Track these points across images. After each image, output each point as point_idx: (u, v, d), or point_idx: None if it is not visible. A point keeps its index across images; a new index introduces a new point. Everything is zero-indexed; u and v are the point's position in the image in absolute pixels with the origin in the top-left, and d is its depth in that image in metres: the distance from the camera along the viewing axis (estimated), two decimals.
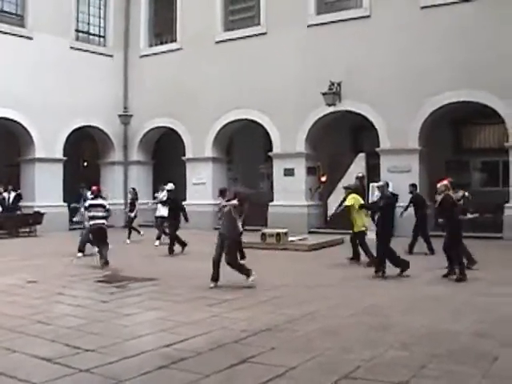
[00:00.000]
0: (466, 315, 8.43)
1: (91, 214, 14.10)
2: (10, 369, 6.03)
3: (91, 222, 14.13)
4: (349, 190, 14.79)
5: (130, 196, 20.91)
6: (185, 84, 24.80)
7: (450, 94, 19.20)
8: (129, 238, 19.54)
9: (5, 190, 22.63)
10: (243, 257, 13.52)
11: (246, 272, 10.85)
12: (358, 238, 14.11)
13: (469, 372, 5.88)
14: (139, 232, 19.77)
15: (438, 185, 12.21)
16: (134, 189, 21.04)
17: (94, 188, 15.02)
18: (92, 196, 14.96)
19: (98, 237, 14.15)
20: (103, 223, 14.13)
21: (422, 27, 19.75)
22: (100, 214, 14.09)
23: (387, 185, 12.66)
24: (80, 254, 15.46)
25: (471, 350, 6.66)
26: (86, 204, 14.51)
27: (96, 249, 14.59)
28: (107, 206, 14.32)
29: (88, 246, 15.31)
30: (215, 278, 10.85)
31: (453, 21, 19.21)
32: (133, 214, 19.98)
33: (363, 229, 14.10)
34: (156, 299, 9.89)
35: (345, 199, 14.68)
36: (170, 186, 17.44)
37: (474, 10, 18.92)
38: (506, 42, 18.33)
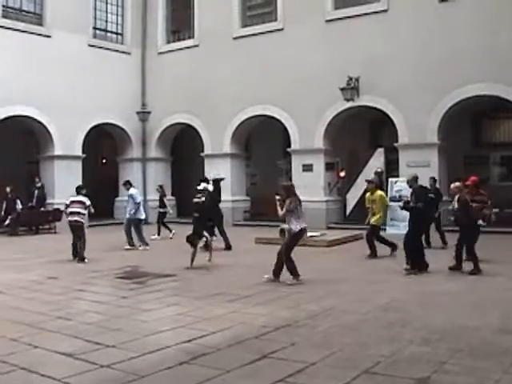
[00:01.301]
0: (487, 310, 8.37)
1: (70, 209, 14.55)
2: (31, 364, 6.08)
3: (69, 218, 14.57)
4: (373, 183, 14.88)
5: (158, 193, 20.92)
6: (203, 80, 24.84)
7: (469, 87, 19.04)
8: (159, 234, 19.55)
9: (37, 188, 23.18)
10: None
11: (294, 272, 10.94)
12: (375, 232, 14.38)
13: (490, 368, 5.82)
14: (170, 230, 19.67)
15: (452, 186, 12.37)
16: (161, 186, 21.09)
17: (79, 185, 15.74)
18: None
19: (73, 232, 14.49)
20: (76, 219, 14.39)
21: (440, 21, 19.59)
22: (77, 210, 14.42)
23: (416, 178, 12.52)
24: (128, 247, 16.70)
25: (493, 346, 6.61)
26: (67, 201, 14.90)
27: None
28: (87, 203, 14.61)
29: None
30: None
31: (471, 14, 19.03)
32: (162, 210, 20.12)
33: (381, 222, 14.56)
34: (175, 295, 9.93)
35: (366, 191, 15.11)
36: (203, 185, 17.16)
37: (494, 2, 18.77)
38: None
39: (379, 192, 14.64)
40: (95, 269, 12.85)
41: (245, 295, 9.68)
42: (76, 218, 14.37)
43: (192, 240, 12.97)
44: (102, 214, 23.93)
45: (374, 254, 14.23)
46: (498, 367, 5.83)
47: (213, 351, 6.49)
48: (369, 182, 15.20)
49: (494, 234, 17.32)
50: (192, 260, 12.77)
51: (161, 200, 20.33)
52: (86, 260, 14.05)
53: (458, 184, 12.26)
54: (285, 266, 10.98)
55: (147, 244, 16.84)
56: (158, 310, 8.80)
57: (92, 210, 14.87)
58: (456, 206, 12.07)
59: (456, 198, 12.07)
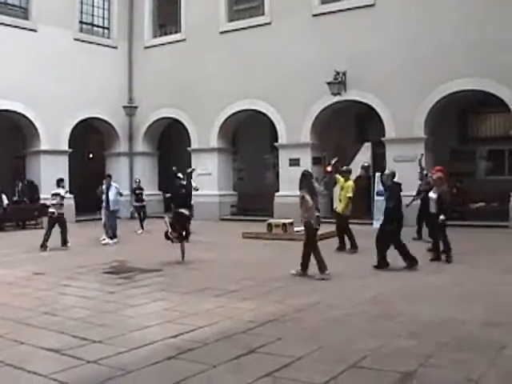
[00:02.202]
0: (472, 304, 8.42)
1: (50, 202, 15.82)
2: (17, 360, 6.05)
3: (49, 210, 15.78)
4: (346, 172, 15.11)
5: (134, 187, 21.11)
6: (190, 75, 24.76)
7: (456, 82, 19.07)
8: (142, 228, 19.69)
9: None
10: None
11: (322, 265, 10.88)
12: (345, 222, 14.65)
13: (475, 361, 5.87)
14: (142, 227, 19.77)
15: (434, 177, 12.60)
16: (138, 180, 21.14)
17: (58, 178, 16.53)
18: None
19: (48, 223, 15.61)
20: (53, 211, 15.46)
21: (427, 16, 19.61)
22: (53, 202, 15.50)
23: (394, 175, 12.44)
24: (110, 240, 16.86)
25: (478, 339, 6.66)
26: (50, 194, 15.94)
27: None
28: (61, 194, 15.57)
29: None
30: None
31: (458, 9, 19.05)
32: (137, 204, 20.40)
33: (348, 212, 14.71)
34: (162, 290, 9.91)
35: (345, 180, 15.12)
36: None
37: None
38: None
39: (350, 182, 14.73)
40: (82, 264, 12.81)
41: (232, 290, 9.68)
42: (52, 209, 15.39)
43: (169, 236, 12.96)
44: (88, 209, 23.87)
45: (342, 248, 14.57)
46: (483, 360, 5.87)
47: (200, 346, 6.49)
48: (343, 172, 15.23)
49: (480, 227, 17.47)
50: (183, 253, 12.79)
51: (138, 194, 20.54)
52: (47, 249, 14.95)
53: (440, 175, 12.58)
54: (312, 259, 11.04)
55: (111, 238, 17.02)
56: (145, 305, 8.79)
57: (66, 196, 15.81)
58: (435, 195, 12.36)
59: (444, 188, 12.39)
